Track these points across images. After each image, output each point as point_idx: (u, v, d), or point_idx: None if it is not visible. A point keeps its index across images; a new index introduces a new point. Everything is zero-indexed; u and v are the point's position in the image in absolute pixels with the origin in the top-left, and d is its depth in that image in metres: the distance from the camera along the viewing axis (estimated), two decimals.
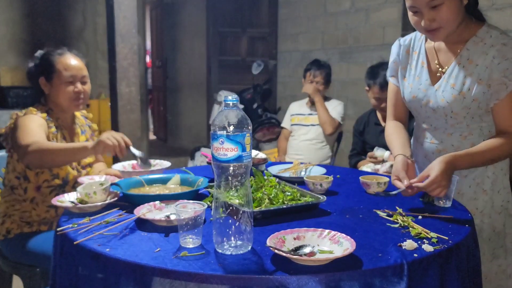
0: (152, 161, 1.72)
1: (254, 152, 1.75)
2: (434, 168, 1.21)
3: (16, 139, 1.58)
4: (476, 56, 1.32)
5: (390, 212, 1.20)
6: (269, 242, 0.94)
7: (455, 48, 1.37)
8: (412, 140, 1.59)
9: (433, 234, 1.03)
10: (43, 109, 1.73)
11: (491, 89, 1.31)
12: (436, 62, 1.41)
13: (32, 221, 1.70)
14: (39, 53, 1.78)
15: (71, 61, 1.74)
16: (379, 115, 2.56)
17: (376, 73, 2.45)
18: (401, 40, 1.52)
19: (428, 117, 1.45)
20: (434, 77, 1.41)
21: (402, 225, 1.11)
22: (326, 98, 3.14)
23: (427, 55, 1.44)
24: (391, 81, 1.57)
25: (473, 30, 1.34)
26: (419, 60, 1.45)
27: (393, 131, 1.52)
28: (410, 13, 1.30)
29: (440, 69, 1.40)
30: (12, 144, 1.65)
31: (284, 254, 0.89)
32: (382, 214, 1.20)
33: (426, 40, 1.45)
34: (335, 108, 3.01)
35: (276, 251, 0.90)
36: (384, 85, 2.34)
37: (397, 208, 1.24)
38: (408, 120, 1.61)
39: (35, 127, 1.60)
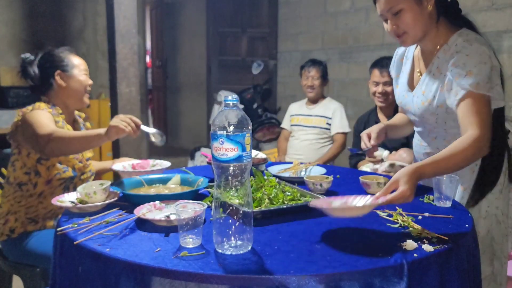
0: (152, 161, 1.73)
1: (254, 152, 1.76)
2: (401, 181, 1.11)
3: (33, 131, 1.60)
4: (442, 64, 1.36)
5: (390, 212, 1.20)
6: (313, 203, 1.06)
7: (430, 56, 1.41)
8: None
9: (433, 234, 1.03)
10: (48, 106, 1.76)
11: (449, 95, 1.33)
12: (418, 70, 1.47)
13: (37, 216, 1.72)
14: (44, 51, 1.83)
15: (79, 58, 1.87)
16: (379, 114, 2.56)
17: (380, 60, 2.52)
18: (398, 49, 1.59)
19: (414, 122, 1.53)
20: (415, 82, 1.48)
21: (402, 225, 1.11)
22: (323, 97, 3.15)
23: (414, 62, 1.50)
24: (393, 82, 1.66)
25: (446, 38, 1.37)
26: (408, 68, 1.52)
27: (396, 116, 1.70)
28: (383, 22, 1.38)
29: (419, 75, 1.46)
30: (21, 141, 1.68)
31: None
32: (382, 214, 1.20)
33: (416, 47, 1.50)
34: (340, 119, 3.03)
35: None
36: (382, 71, 2.44)
37: (397, 208, 1.24)
38: None
39: (47, 120, 1.66)
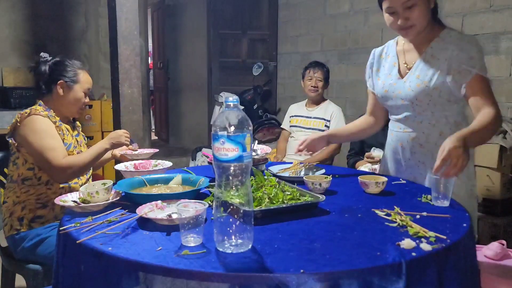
0: (153, 161, 1.75)
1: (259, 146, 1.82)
2: (445, 146, 1.29)
3: (43, 157, 1.68)
4: (438, 52, 1.54)
5: (389, 211, 1.21)
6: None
7: (420, 48, 1.59)
8: (388, 134, 1.78)
9: (431, 233, 1.04)
10: (43, 109, 1.79)
11: (455, 78, 1.49)
12: (403, 62, 1.64)
13: (47, 201, 1.76)
14: (60, 56, 1.88)
15: (88, 76, 1.92)
16: None
17: None
18: (375, 50, 1.78)
19: (399, 108, 1.65)
20: (403, 72, 1.64)
21: (401, 224, 1.12)
22: (323, 99, 3.16)
23: (398, 57, 1.67)
24: (367, 84, 1.79)
25: (436, 33, 1.57)
26: (391, 61, 1.68)
27: (353, 122, 1.88)
28: (386, 15, 1.53)
29: (406, 66, 1.63)
30: (22, 146, 1.73)
31: None
32: (380, 213, 1.22)
33: (397, 45, 1.69)
34: (338, 122, 3.04)
35: None
36: None
37: (396, 207, 1.25)
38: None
39: (50, 133, 1.71)
